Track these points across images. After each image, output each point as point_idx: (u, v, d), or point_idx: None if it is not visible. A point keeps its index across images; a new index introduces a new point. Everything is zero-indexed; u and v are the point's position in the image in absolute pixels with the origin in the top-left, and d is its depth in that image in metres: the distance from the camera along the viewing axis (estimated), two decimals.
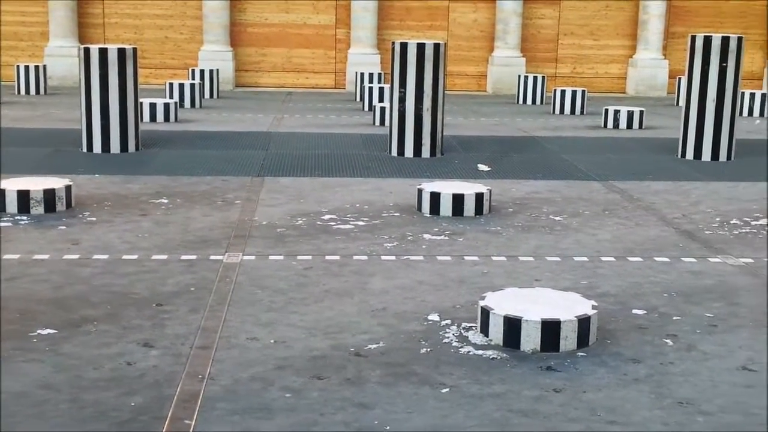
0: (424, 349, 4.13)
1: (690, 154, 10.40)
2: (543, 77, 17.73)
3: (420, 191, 7.21)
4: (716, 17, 21.14)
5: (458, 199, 7.03)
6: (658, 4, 20.53)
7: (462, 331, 4.38)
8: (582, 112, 15.64)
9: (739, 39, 10.12)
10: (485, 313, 4.28)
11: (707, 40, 10.09)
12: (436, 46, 9.94)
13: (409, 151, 10.12)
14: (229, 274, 5.31)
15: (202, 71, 17.53)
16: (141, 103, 12.25)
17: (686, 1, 21.16)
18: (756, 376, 3.89)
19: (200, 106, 15.47)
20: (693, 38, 10.24)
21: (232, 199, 7.57)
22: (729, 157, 10.35)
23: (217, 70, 18.04)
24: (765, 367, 4.00)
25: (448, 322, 4.53)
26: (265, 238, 6.23)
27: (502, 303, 4.32)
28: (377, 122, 13.17)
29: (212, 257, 5.67)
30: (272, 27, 20.63)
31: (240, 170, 9.01)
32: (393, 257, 5.78)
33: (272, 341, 4.19)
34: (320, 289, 5.06)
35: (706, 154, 10.31)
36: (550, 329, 4.11)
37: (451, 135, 11.77)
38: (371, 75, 17.76)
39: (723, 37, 10.07)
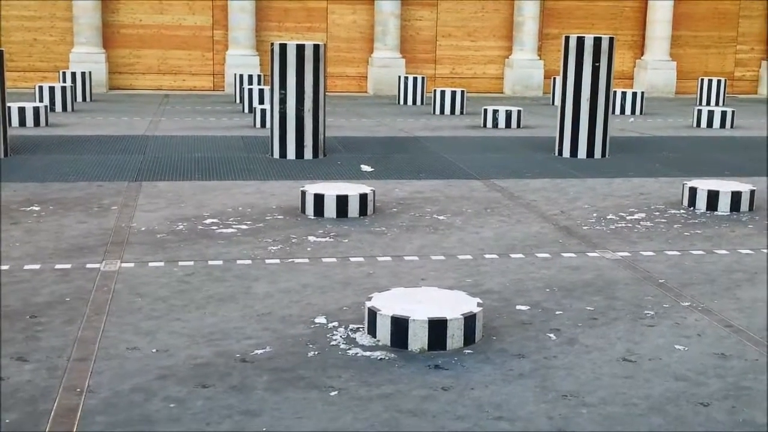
0: (312, 353, 4.08)
1: (566, 152, 10.67)
2: (423, 78, 17.92)
3: (303, 193, 7.15)
4: (588, 19, 21.82)
5: (342, 201, 7.01)
6: (531, 6, 21.03)
7: (349, 333, 4.35)
8: (462, 112, 15.87)
9: (611, 39, 10.44)
10: (372, 314, 4.26)
11: (580, 41, 10.37)
12: (316, 47, 9.89)
13: (291, 153, 10.04)
14: (106, 282, 5.13)
15: (73, 74, 16.99)
16: (9, 108, 11.80)
17: (559, 2, 21.75)
18: (634, 366, 4.00)
19: (72, 110, 14.99)
20: (567, 39, 10.51)
21: (108, 204, 7.34)
22: (604, 155, 10.66)
23: (90, 72, 17.52)
24: (643, 357, 4.12)
25: (335, 324, 4.49)
26: (143, 244, 6.06)
27: (389, 303, 4.31)
28: (258, 124, 13.04)
29: (88, 266, 5.48)
30: (146, 28, 20.17)
31: (116, 175, 8.76)
32: (277, 260, 5.70)
33: (154, 350, 4.06)
34: (203, 295, 4.94)
35: (582, 152, 10.59)
36: (437, 328, 4.12)
37: (333, 136, 11.75)
38: (250, 77, 17.58)
39: (595, 37, 10.37)
